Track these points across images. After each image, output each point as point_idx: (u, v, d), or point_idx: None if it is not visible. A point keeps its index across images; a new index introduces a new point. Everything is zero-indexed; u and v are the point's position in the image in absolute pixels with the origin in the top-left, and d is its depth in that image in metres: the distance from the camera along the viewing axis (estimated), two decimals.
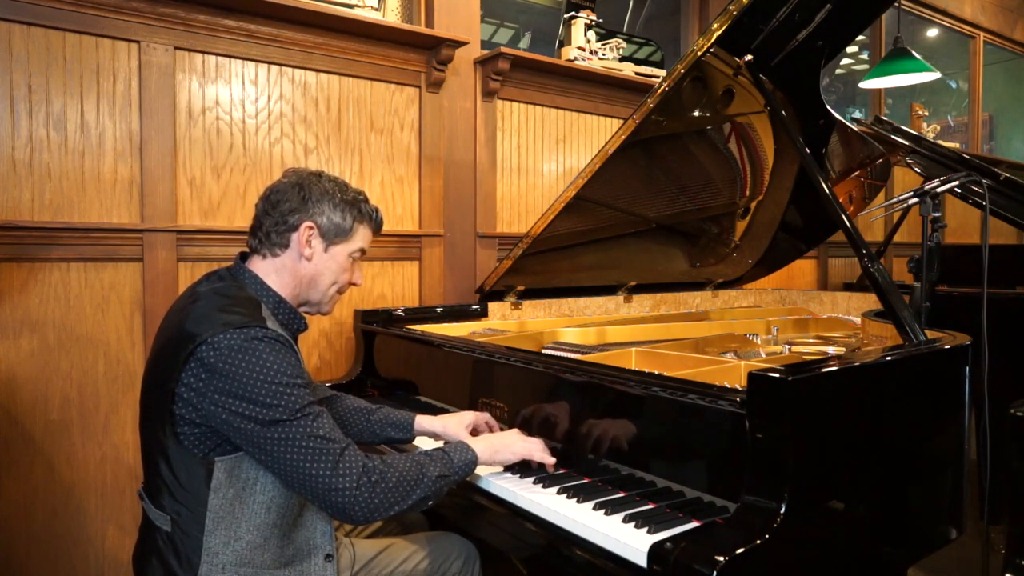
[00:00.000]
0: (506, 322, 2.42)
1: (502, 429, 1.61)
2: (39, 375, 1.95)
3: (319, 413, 1.22)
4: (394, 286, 2.61)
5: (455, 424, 1.60)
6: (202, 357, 1.18)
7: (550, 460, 1.44)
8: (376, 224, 1.48)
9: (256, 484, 1.24)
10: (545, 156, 3.01)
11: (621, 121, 2.15)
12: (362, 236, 1.45)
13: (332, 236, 1.40)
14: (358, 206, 1.43)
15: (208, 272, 1.40)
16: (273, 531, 1.26)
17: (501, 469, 1.48)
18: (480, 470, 1.45)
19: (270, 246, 1.37)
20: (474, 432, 1.60)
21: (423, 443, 1.69)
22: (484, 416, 1.64)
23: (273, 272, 1.38)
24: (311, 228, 1.37)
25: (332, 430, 1.22)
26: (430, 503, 1.30)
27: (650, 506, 1.26)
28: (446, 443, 1.46)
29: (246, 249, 1.43)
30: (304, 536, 1.32)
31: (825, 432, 1.16)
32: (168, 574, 1.22)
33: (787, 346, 2.12)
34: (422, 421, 1.64)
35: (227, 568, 1.22)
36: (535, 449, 1.44)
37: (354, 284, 1.49)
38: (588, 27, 3.05)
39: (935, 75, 4.00)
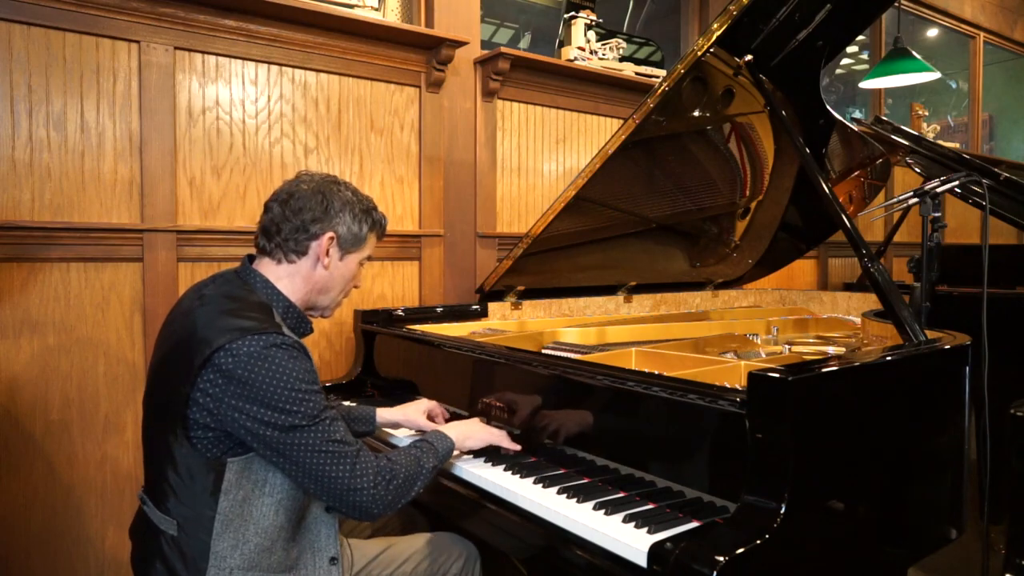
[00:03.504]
0: (506, 322, 2.42)
1: (498, 427, 1.63)
2: (39, 375, 1.95)
3: (334, 418, 1.25)
4: (394, 286, 2.61)
5: (413, 411, 1.74)
6: (220, 364, 1.17)
7: (515, 447, 1.55)
8: (381, 230, 1.49)
9: (265, 485, 1.24)
10: (545, 156, 3.01)
11: (621, 121, 2.15)
12: (371, 244, 1.47)
13: (349, 246, 1.41)
14: (371, 214, 1.44)
15: (214, 274, 1.40)
16: (280, 533, 1.26)
17: (502, 468, 1.49)
18: (482, 471, 1.48)
19: (286, 251, 1.36)
20: (429, 417, 1.74)
21: (401, 434, 1.81)
22: (436, 403, 1.79)
23: (285, 276, 1.37)
24: (332, 239, 1.37)
25: (346, 434, 1.25)
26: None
27: (650, 506, 1.26)
28: (426, 433, 1.50)
29: (249, 250, 1.43)
30: (309, 539, 1.33)
31: (825, 432, 1.16)
32: None
33: (787, 346, 2.12)
34: (382, 412, 1.75)
35: (234, 572, 1.22)
36: (500, 437, 1.55)
37: (355, 287, 1.50)
38: (588, 27, 3.05)
39: (935, 75, 4.00)
